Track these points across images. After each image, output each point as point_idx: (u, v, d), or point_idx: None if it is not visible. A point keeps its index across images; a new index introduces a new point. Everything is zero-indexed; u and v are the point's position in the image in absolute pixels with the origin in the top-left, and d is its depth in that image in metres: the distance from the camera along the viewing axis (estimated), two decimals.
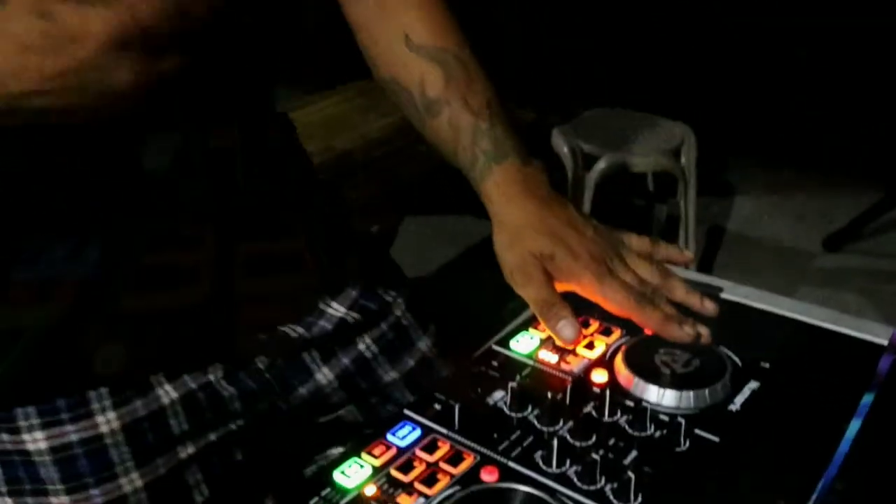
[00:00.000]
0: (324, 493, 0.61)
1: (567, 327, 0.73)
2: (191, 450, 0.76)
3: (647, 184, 2.72)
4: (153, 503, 0.73)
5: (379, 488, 0.61)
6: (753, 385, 0.71)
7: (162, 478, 0.74)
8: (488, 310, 0.82)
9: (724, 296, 0.85)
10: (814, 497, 0.51)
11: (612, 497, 0.60)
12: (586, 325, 0.77)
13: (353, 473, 0.62)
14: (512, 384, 0.68)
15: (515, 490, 0.60)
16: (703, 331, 0.73)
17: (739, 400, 0.69)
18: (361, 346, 0.86)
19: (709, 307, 0.76)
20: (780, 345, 0.77)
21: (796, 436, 0.68)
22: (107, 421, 0.72)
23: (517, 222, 0.77)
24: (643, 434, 0.66)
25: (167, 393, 0.75)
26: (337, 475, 0.62)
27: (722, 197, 2.88)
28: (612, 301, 0.74)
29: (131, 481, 0.72)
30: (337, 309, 0.84)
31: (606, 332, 0.76)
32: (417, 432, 0.66)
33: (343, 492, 0.61)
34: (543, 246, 0.75)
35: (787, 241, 2.48)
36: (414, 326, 0.89)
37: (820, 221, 2.63)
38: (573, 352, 0.74)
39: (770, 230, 2.67)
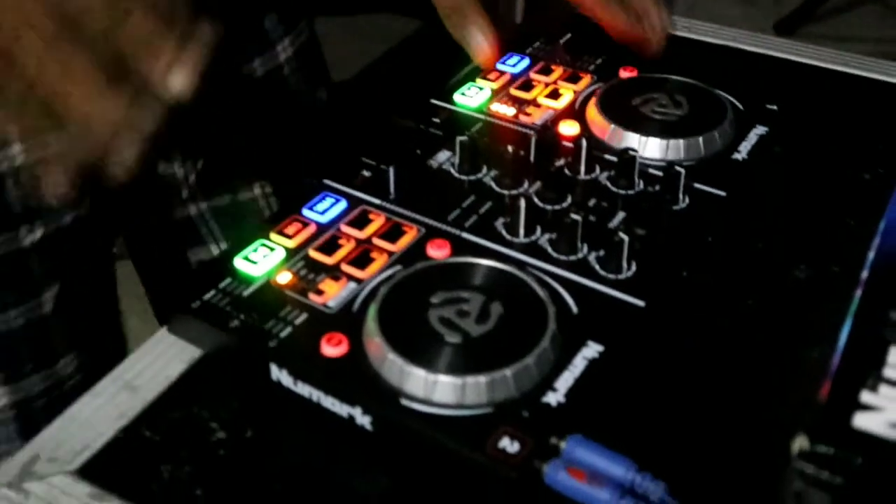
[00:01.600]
0: (222, 284, 0.46)
1: (478, 34, 0.58)
2: None
3: None
4: None
5: (295, 274, 0.46)
6: (760, 130, 0.57)
7: None
8: None
9: (709, 39, 0.70)
10: (869, 261, 0.38)
11: (597, 267, 0.47)
12: (548, 71, 0.62)
13: (261, 259, 0.47)
14: (461, 138, 0.53)
15: (475, 265, 0.46)
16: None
17: (745, 147, 0.55)
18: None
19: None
20: (786, 88, 0.63)
21: (817, 185, 0.55)
22: None
23: None
24: (630, 191, 0.52)
25: None
26: (239, 262, 0.47)
27: None
28: None
29: None
30: None
31: (573, 79, 0.61)
32: (342, 204, 0.51)
33: (248, 281, 0.46)
34: None
35: (738, 26, 2.32)
36: None
37: (771, 5, 2.48)
38: (534, 102, 0.59)
39: (720, 14, 2.51)
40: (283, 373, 0.42)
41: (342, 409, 0.41)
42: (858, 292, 0.36)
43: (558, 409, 0.40)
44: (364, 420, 0.41)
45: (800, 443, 0.30)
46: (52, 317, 0.63)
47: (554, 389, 0.40)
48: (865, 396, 0.31)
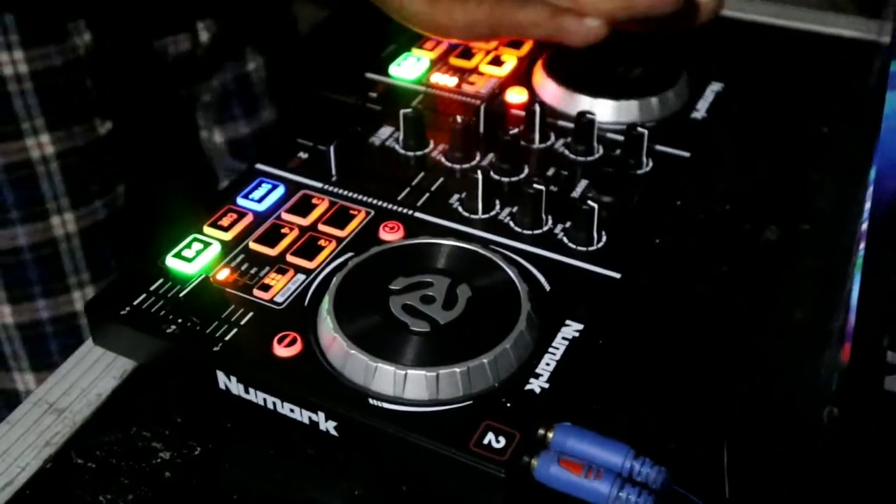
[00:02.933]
0: (153, 286, 0.41)
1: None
2: None
3: None
4: None
5: (235, 269, 0.42)
6: (716, 87, 0.54)
7: None
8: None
9: None
10: (866, 212, 0.36)
11: (566, 240, 0.43)
12: None
13: (195, 255, 0.42)
14: (406, 112, 0.49)
15: (435, 245, 0.42)
16: None
17: (703, 106, 0.53)
18: None
19: None
20: (738, 48, 0.60)
21: (777, 141, 0.53)
22: None
23: None
24: (590, 158, 0.48)
25: None
26: (171, 260, 0.42)
27: None
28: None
29: None
30: None
31: (514, 45, 0.57)
32: (280, 190, 0.46)
33: (182, 280, 0.41)
34: None
35: None
36: None
37: None
38: (476, 70, 0.55)
39: None
40: (231, 380, 0.38)
41: (302, 415, 0.36)
42: (861, 246, 0.33)
43: (543, 397, 0.36)
44: (328, 425, 0.36)
45: (829, 410, 0.27)
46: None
47: (536, 375, 0.37)
48: (891, 357, 0.29)
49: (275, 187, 0.46)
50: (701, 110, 0.52)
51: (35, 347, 0.64)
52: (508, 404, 0.35)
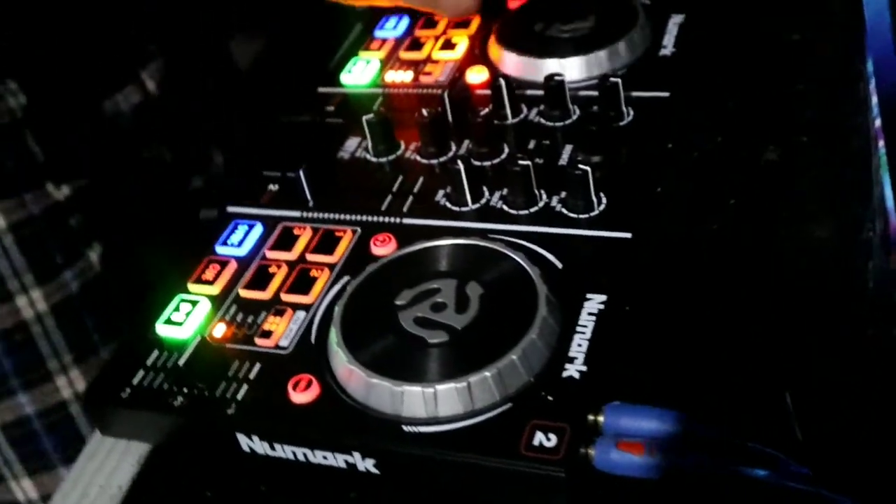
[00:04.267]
0: (149, 360, 0.38)
1: None
2: None
3: None
4: None
5: (231, 322, 0.39)
6: (677, 19, 0.52)
7: None
8: None
9: None
10: (874, 105, 0.33)
11: (565, 210, 0.41)
12: (432, 24, 0.55)
13: (185, 317, 0.40)
14: (367, 118, 0.46)
15: (432, 249, 0.39)
16: None
17: (669, 41, 0.50)
18: None
19: None
20: None
21: (752, 60, 0.50)
22: None
23: None
24: (568, 121, 0.46)
25: None
26: (161, 328, 0.40)
27: None
28: None
29: None
30: None
31: (462, 24, 0.55)
32: (258, 229, 0.44)
33: (178, 347, 0.39)
34: None
35: None
36: None
37: None
38: (429, 59, 0.53)
39: None
40: (254, 440, 0.35)
41: (337, 459, 0.34)
42: (881, 144, 0.31)
43: (583, 380, 0.34)
44: (366, 464, 0.34)
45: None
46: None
47: (570, 360, 0.34)
48: None
49: (252, 227, 0.44)
50: (668, 46, 0.50)
51: (26, 449, 0.58)
52: (550, 397, 0.33)
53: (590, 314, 0.36)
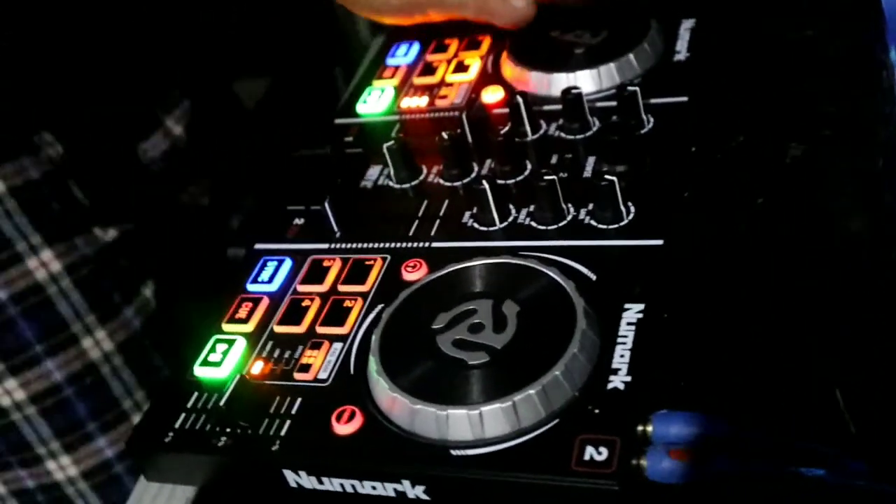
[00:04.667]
0: (190, 402, 0.38)
1: None
2: None
3: None
4: None
5: (268, 359, 0.39)
6: (689, 24, 0.52)
7: None
8: None
9: None
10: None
11: (594, 223, 0.41)
12: (443, 48, 0.56)
13: (221, 357, 0.40)
14: (387, 145, 0.46)
15: (464, 270, 0.39)
16: None
17: (682, 46, 0.50)
18: None
19: None
20: None
21: (768, 58, 0.50)
22: None
23: None
24: (588, 133, 0.46)
25: None
26: (199, 370, 0.39)
27: None
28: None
29: None
30: None
31: (473, 46, 0.55)
32: (288, 264, 0.44)
33: (218, 387, 0.39)
34: None
35: None
36: None
37: None
38: (443, 82, 0.53)
39: None
40: (301, 475, 0.35)
41: (387, 489, 0.34)
42: None
43: (629, 391, 0.33)
44: (417, 492, 0.33)
45: None
46: None
47: (614, 371, 0.34)
48: None
49: (281, 262, 0.44)
50: (682, 51, 0.50)
51: (107, 491, 0.58)
52: (596, 411, 0.33)
53: (629, 324, 0.35)
